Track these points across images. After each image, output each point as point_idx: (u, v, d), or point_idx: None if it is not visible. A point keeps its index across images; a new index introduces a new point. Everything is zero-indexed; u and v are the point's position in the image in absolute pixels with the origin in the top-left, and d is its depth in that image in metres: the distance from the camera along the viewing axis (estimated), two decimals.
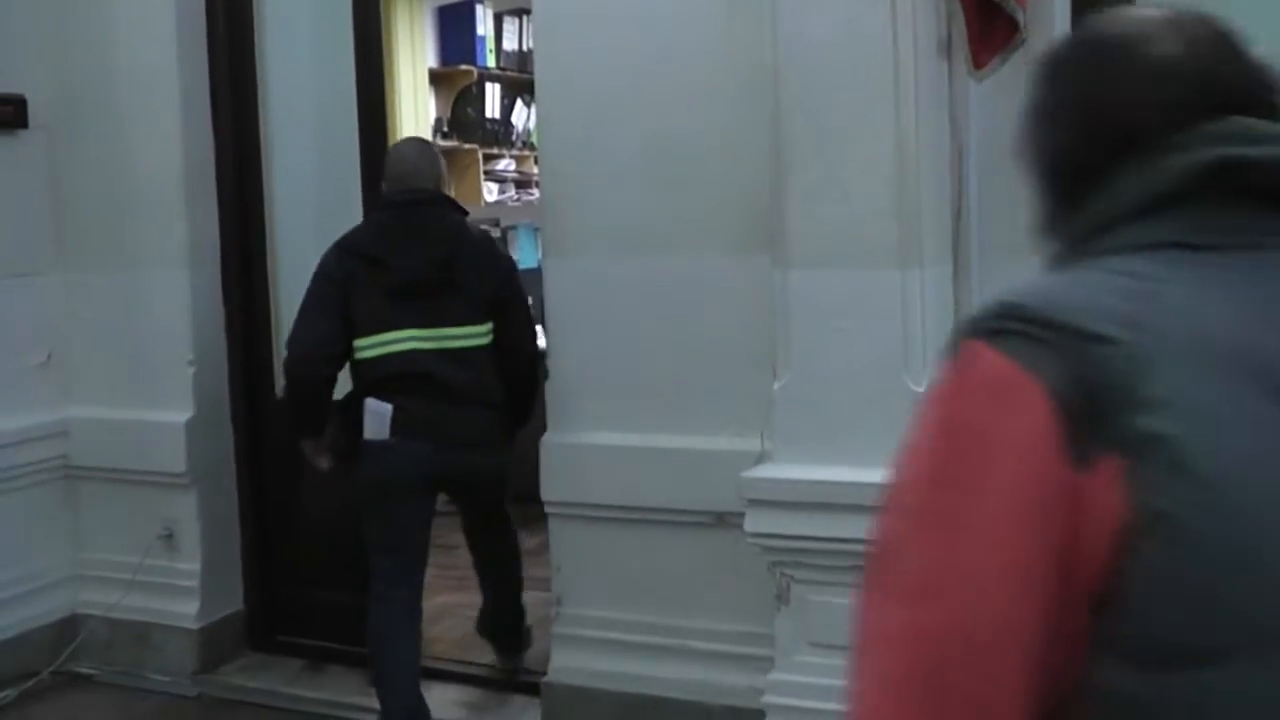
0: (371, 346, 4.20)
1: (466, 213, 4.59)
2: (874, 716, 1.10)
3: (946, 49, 3.68)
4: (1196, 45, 1.27)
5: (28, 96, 5.18)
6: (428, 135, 7.58)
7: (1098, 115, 1.29)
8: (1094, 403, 1.07)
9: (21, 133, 5.17)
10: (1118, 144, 1.25)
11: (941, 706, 1.08)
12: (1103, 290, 1.15)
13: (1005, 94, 3.73)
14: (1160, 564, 1.05)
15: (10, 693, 4.90)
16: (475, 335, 4.26)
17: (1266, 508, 1.06)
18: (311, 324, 4.21)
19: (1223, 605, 1.04)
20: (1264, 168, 1.18)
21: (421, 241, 4.24)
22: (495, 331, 4.31)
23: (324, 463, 4.38)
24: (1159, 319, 1.12)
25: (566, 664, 4.44)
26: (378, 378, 4.20)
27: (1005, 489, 1.09)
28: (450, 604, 5.64)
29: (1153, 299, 1.14)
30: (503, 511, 4.66)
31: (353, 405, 4.23)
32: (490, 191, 8.00)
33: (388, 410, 4.16)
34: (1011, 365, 1.11)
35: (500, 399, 4.33)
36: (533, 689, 4.59)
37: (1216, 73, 1.26)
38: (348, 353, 4.21)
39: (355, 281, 4.19)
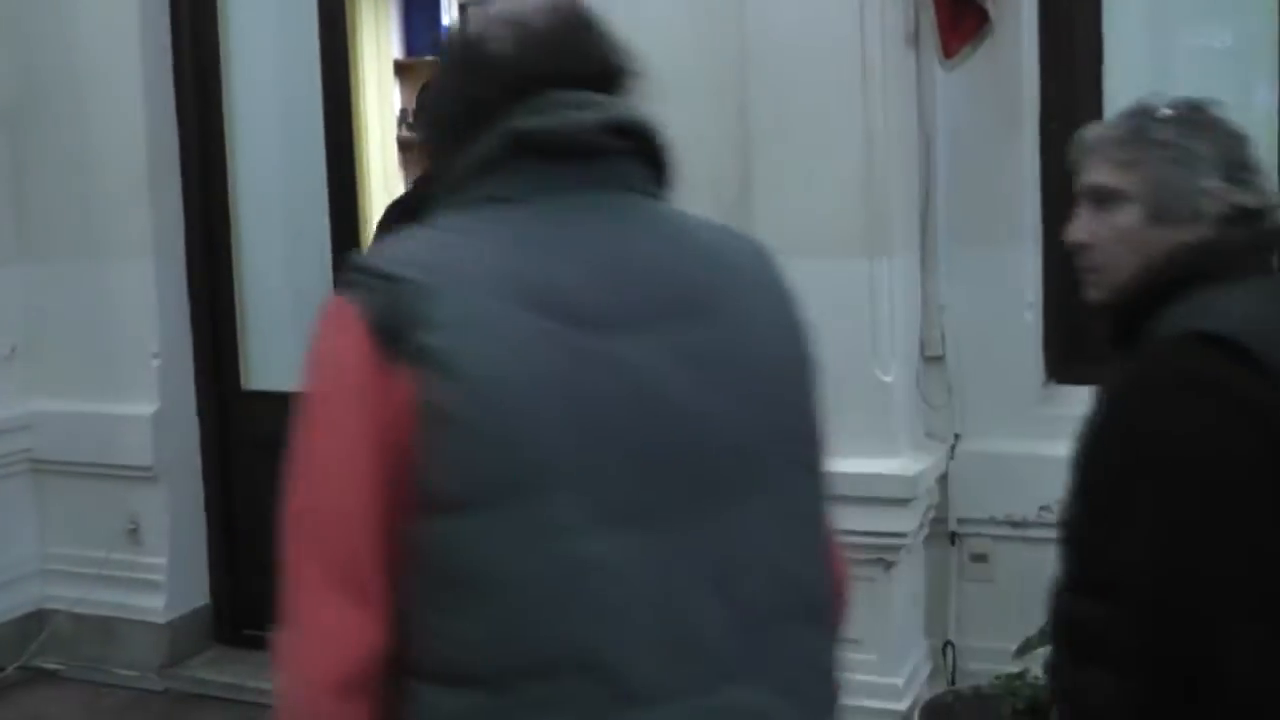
0: None
1: None
2: (290, 570, 1.42)
3: (914, 38, 3.70)
4: (528, 40, 1.54)
5: None
6: (392, 127, 7.56)
7: (453, 100, 1.57)
8: (394, 327, 1.39)
9: None
10: (469, 122, 1.53)
11: (325, 564, 1.41)
12: (420, 243, 1.49)
13: (973, 83, 3.76)
14: (436, 441, 1.38)
15: None
16: None
17: (519, 396, 1.38)
18: None
19: (475, 469, 1.37)
20: (545, 135, 1.48)
21: None
22: None
23: None
24: (451, 260, 1.44)
25: None
26: None
27: (341, 396, 1.42)
28: None
29: (452, 246, 1.47)
30: None
31: None
32: None
33: None
34: (347, 304, 1.43)
35: None
36: None
37: (539, 60, 1.53)
38: None
39: None
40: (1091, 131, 2.06)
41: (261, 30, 5.26)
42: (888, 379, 3.58)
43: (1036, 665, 3.65)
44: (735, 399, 1.49)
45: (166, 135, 5.17)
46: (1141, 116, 2.01)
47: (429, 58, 7.74)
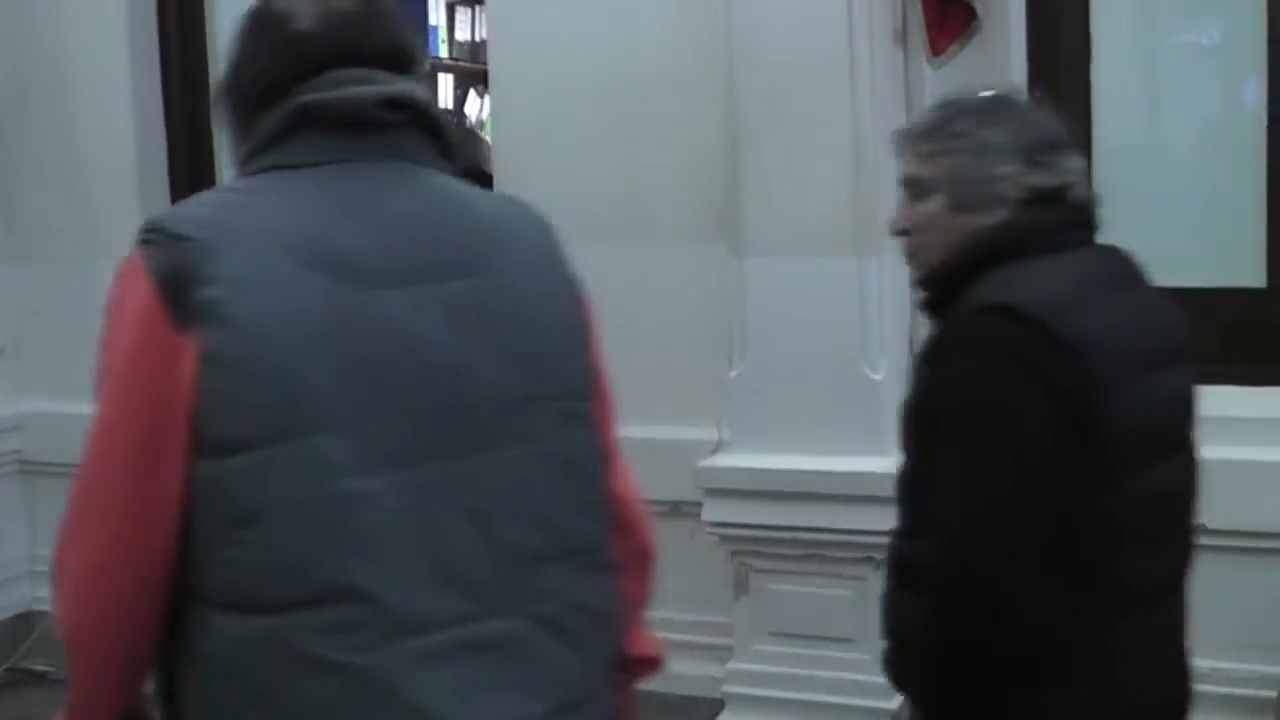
0: None
1: None
2: (75, 498, 1.61)
3: (902, 36, 3.69)
4: (330, 19, 1.67)
5: None
6: None
7: (255, 73, 1.69)
8: (179, 282, 1.50)
9: None
10: (266, 94, 1.65)
11: (104, 509, 1.58)
12: (208, 204, 1.64)
13: (960, 81, 3.75)
14: (214, 388, 1.49)
15: None
16: None
17: (291, 345, 1.49)
18: None
19: (250, 413, 1.49)
20: (329, 107, 1.62)
21: None
22: None
23: None
24: (231, 221, 1.56)
25: None
26: None
27: (126, 349, 1.55)
28: None
29: (238, 207, 1.59)
30: None
31: None
32: None
33: None
34: (137, 261, 1.55)
35: None
36: None
37: (339, 39, 1.66)
38: None
39: None
40: (906, 126, 2.27)
41: None
42: (877, 377, 3.58)
43: None
44: (498, 354, 1.62)
45: (154, 136, 5.15)
46: (946, 110, 2.15)
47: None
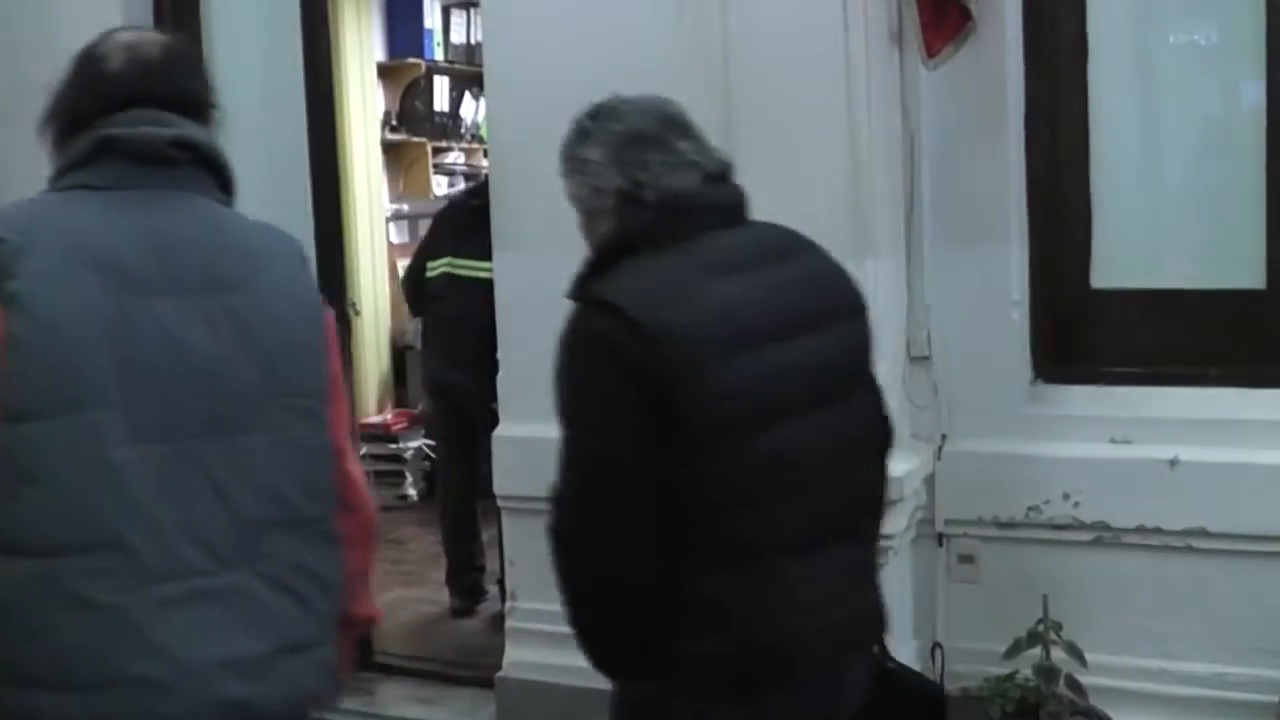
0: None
1: None
2: None
3: (898, 38, 3.68)
4: (135, 64, 2.08)
5: None
6: (376, 130, 7.53)
7: (68, 103, 2.07)
8: None
9: None
10: (74, 123, 2.04)
11: None
12: (20, 211, 1.96)
13: (956, 83, 3.74)
14: (11, 365, 1.83)
15: None
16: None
17: (74, 334, 1.85)
18: None
19: (36, 387, 1.84)
20: (130, 141, 1.99)
21: None
22: None
23: None
24: (39, 228, 1.90)
25: (520, 658, 4.40)
26: None
27: None
28: (402, 598, 5.61)
29: (42, 217, 1.94)
30: None
31: None
32: (439, 185, 7.95)
33: None
34: None
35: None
36: (486, 683, 4.56)
37: (140, 83, 2.05)
38: None
39: None
40: None
41: (244, 33, 5.23)
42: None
43: (1026, 667, 3.64)
44: (247, 358, 1.99)
45: None
46: (569, 131, 2.39)
47: (411, 60, 7.73)
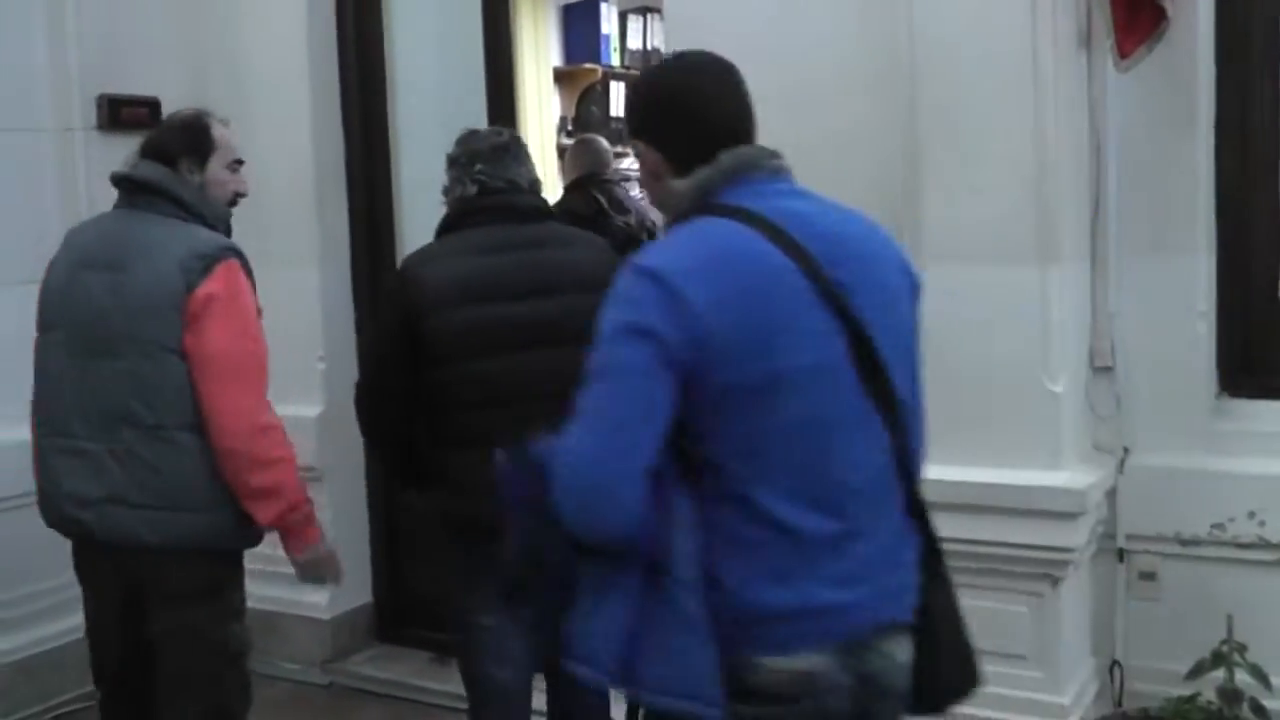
0: None
1: None
2: None
3: (1085, 39, 3.61)
4: (158, 128, 3.63)
5: (161, 98, 5.26)
6: (552, 135, 7.61)
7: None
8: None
9: None
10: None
11: None
12: (77, 225, 3.67)
13: (1144, 85, 3.66)
14: (39, 306, 3.42)
15: None
16: None
17: (52, 288, 3.45)
18: None
19: (40, 315, 3.41)
20: (119, 178, 3.43)
21: None
22: None
23: None
24: (71, 235, 3.56)
25: None
26: None
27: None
28: None
29: (78, 229, 3.60)
30: None
31: None
32: None
33: None
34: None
35: None
36: None
37: (146, 141, 3.55)
38: None
39: None
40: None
41: (425, 40, 5.34)
42: (1057, 389, 3.50)
43: (1208, 689, 3.54)
44: (124, 313, 3.21)
45: (333, 146, 5.28)
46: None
47: (588, 65, 7.80)
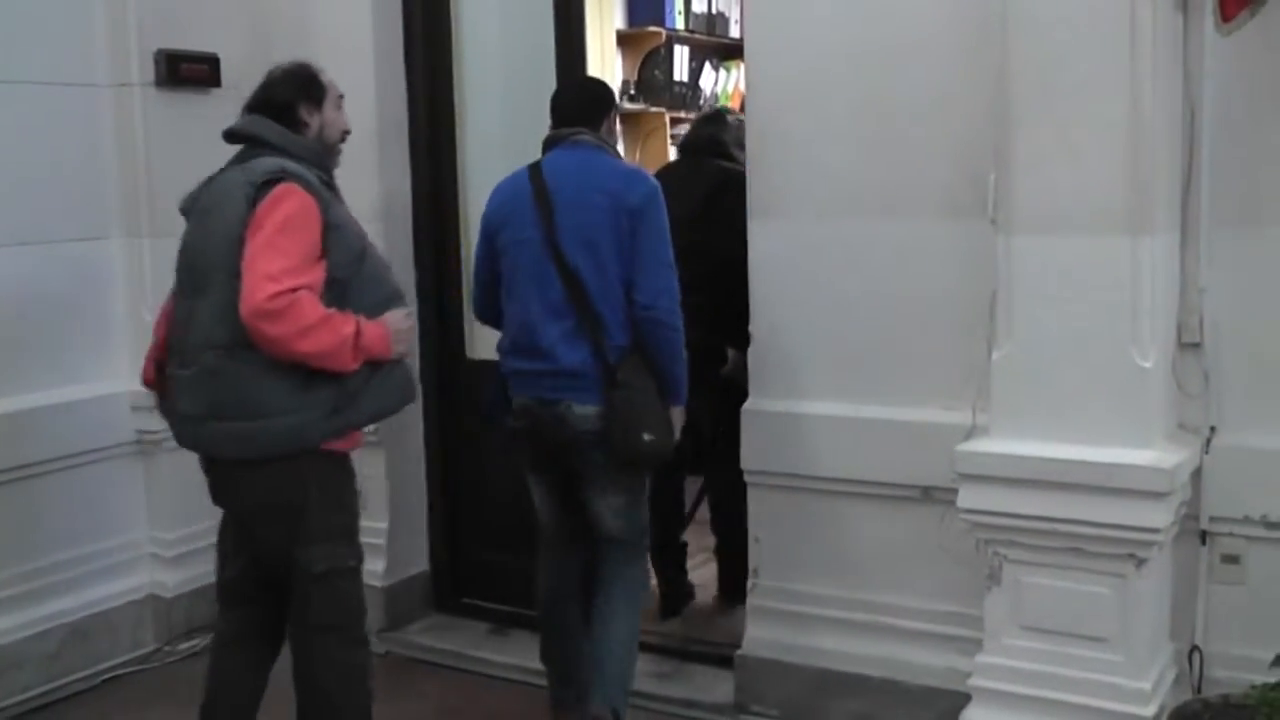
0: None
1: None
2: None
3: (1183, 2, 3.48)
4: (262, 83, 3.77)
5: (220, 55, 5.24)
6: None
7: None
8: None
9: (215, 91, 5.23)
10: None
11: None
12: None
13: (1242, 51, 3.52)
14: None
15: (198, 641, 5.01)
16: None
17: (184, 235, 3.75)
18: None
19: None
20: (232, 130, 3.73)
21: None
22: None
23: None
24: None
25: (760, 636, 4.38)
26: None
27: None
28: None
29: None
30: None
31: None
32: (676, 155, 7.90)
33: None
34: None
35: None
36: (724, 661, 4.51)
37: (253, 95, 3.74)
38: None
39: None
40: None
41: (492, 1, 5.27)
42: (1147, 365, 3.38)
43: None
44: (209, 249, 3.47)
45: (396, 104, 5.24)
46: None
47: (651, 28, 7.68)
